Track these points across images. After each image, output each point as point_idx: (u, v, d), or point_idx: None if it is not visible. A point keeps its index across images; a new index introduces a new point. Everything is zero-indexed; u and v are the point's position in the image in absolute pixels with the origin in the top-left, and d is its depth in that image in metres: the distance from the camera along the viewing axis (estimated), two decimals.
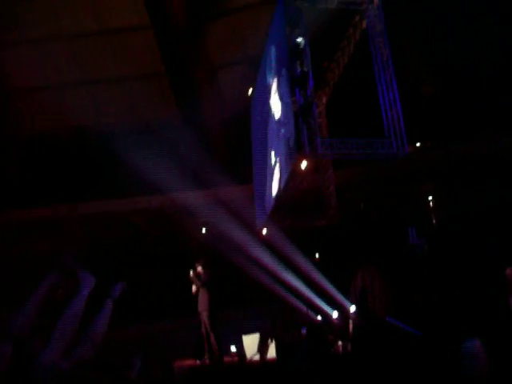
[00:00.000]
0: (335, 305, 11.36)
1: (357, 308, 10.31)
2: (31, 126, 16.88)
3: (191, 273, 10.32)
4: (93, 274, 2.63)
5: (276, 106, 12.28)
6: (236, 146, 15.91)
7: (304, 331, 10.21)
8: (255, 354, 10.41)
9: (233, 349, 10.83)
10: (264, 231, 13.73)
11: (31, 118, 16.78)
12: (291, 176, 11.05)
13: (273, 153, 12.81)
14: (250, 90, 15.09)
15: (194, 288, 10.36)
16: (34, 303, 2.48)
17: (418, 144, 13.76)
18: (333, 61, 12.52)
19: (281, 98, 11.58)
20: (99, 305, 2.54)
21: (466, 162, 13.13)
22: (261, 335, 10.63)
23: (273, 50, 12.60)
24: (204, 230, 15.64)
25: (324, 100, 13.79)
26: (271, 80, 12.73)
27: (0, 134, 16.90)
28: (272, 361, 9.73)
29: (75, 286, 2.50)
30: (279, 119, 11.95)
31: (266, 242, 13.66)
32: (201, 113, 16.44)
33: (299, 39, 10.43)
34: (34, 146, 16.93)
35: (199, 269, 10.35)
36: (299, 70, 10.36)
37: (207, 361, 9.80)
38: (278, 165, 12.15)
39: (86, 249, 13.81)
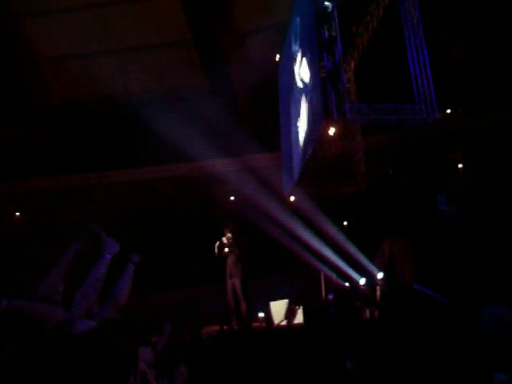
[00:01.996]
0: (363, 271, 11.35)
1: (384, 275, 10.29)
2: (61, 94, 17.03)
3: (224, 239, 10.28)
4: (117, 241, 2.70)
5: (300, 73, 12.17)
6: (264, 113, 15.83)
7: (331, 297, 10.25)
8: (283, 320, 10.48)
9: (261, 315, 10.91)
10: (292, 198, 13.72)
11: (61, 87, 16.93)
12: (319, 142, 10.99)
13: (298, 119, 12.74)
14: (278, 56, 14.96)
15: (225, 251, 10.28)
16: (60, 268, 2.55)
17: (448, 110, 13.54)
18: (361, 25, 12.27)
19: (306, 66, 11.46)
20: (122, 268, 2.60)
21: (497, 129, 12.88)
22: (288, 301, 10.69)
23: (298, 18, 12.44)
24: (232, 198, 15.69)
25: (352, 65, 13.58)
26: (296, 49, 12.60)
27: (31, 103, 17.11)
28: (299, 326, 9.80)
29: (99, 252, 2.57)
30: (303, 87, 11.85)
31: (294, 209, 13.65)
32: (229, 80, 16.38)
33: (327, 3, 10.26)
34: (65, 115, 17.08)
35: (228, 235, 10.33)
36: (327, 34, 10.22)
37: (235, 326, 9.89)
38: (303, 131, 12.08)
39: (115, 216, 13.98)
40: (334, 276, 11.39)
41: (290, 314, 10.41)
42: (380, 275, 10.35)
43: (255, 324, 10.49)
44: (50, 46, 16.08)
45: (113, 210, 14.95)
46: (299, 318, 10.15)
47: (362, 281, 10.97)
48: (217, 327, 9.97)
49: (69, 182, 15.39)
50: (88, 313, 2.31)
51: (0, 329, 1.74)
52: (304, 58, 11.80)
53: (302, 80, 12.19)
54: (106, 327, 2.22)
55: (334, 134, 10.24)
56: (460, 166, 13.50)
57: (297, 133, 12.98)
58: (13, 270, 12.60)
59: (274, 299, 11.02)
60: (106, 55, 16.27)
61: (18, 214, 15.91)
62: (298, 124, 12.73)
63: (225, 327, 10.06)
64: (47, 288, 2.44)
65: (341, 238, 12.50)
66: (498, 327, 3.56)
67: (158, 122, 13.95)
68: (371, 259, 11.56)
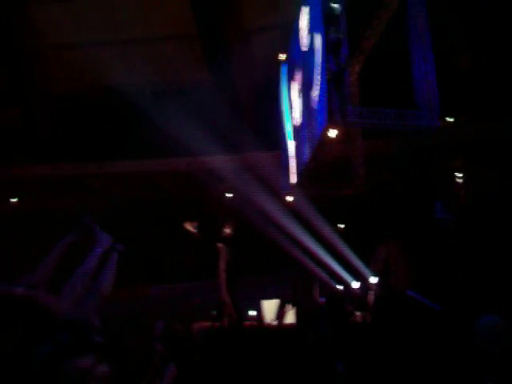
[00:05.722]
0: (357, 275, 11.32)
1: (378, 279, 10.27)
2: (64, 82, 16.95)
3: (222, 234, 10.17)
4: (110, 234, 2.67)
5: (304, 74, 12.14)
6: (266, 111, 15.80)
7: (323, 300, 10.22)
8: (274, 320, 10.45)
9: (252, 313, 10.88)
10: (290, 198, 13.70)
11: (64, 75, 16.85)
12: (320, 144, 10.96)
13: (299, 120, 12.71)
14: (282, 56, 14.94)
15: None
16: (51, 259, 2.53)
17: (451, 119, 13.52)
18: (368, 28, 12.23)
19: (310, 67, 11.42)
20: (106, 258, 2.57)
21: (499, 140, 12.87)
22: (280, 301, 10.65)
23: (306, 16, 12.39)
24: (230, 195, 15.66)
25: (357, 68, 13.54)
26: (301, 49, 12.56)
27: (32, 91, 17.03)
28: (290, 327, 9.76)
29: (91, 245, 2.55)
30: (306, 88, 11.81)
31: (291, 209, 13.63)
32: (232, 76, 16.33)
33: (335, 5, 10.22)
34: (65, 104, 17.02)
35: (227, 231, 10.25)
36: (334, 36, 10.18)
37: (225, 324, 9.85)
38: (305, 131, 12.05)
39: (112, 208, 13.95)
40: (327, 278, 11.37)
41: (281, 313, 10.37)
42: (374, 279, 10.33)
43: (246, 322, 10.45)
44: (54, 33, 15.97)
45: (109, 201, 14.93)
46: (291, 319, 10.11)
47: (356, 284, 10.94)
48: (208, 323, 9.94)
49: (67, 170, 15.35)
50: (74, 305, 2.28)
51: (13, 314, 1.73)
52: (308, 59, 11.76)
53: (304, 81, 12.15)
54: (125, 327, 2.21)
55: (336, 136, 10.21)
56: (459, 174, 13.48)
57: (297, 134, 12.95)
58: (5, 256, 12.55)
59: (267, 298, 11.00)
60: (109, 46, 16.19)
61: (13, 200, 15.86)
62: (299, 125, 12.70)
63: (216, 324, 10.02)
64: (37, 278, 2.42)
65: (337, 241, 12.48)
66: (491, 337, 3.55)
67: (159, 115, 13.93)
68: (366, 263, 11.54)
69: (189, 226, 10.00)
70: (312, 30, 11.60)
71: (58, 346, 1.51)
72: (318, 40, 10.73)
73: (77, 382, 1.44)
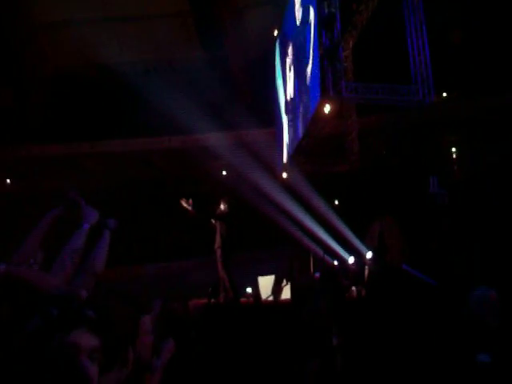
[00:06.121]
0: (352, 250, 11.34)
1: (373, 254, 10.28)
2: (56, 62, 16.86)
3: (218, 209, 10.13)
4: (105, 214, 2.63)
5: (297, 49, 12.07)
6: (260, 88, 15.74)
7: (318, 275, 10.24)
8: (270, 296, 10.49)
9: (249, 290, 10.90)
10: (284, 175, 13.69)
11: (56, 55, 16.74)
12: (314, 120, 10.93)
13: (292, 96, 12.66)
14: (275, 32, 14.85)
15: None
16: (35, 235, 2.50)
17: (444, 94, 13.48)
18: (361, 3, 12.14)
19: (303, 42, 11.36)
20: (98, 235, 2.53)
21: (492, 114, 12.85)
22: (276, 277, 10.69)
23: None
24: (224, 172, 15.63)
25: (351, 44, 13.47)
26: (294, 24, 12.49)
27: (25, 70, 16.92)
28: (286, 302, 9.81)
29: (78, 220, 2.51)
30: (299, 63, 11.76)
31: (286, 186, 13.63)
32: (225, 53, 16.25)
33: None
34: (57, 84, 16.93)
35: (223, 206, 10.17)
36: (327, 10, 10.11)
37: (222, 300, 9.88)
38: (297, 108, 12.01)
39: (106, 187, 13.93)
40: (322, 254, 11.37)
41: (277, 289, 10.42)
42: (369, 255, 10.34)
43: (243, 299, 10.48)
44: (46, 12, 15.84)
45: (103, 180, 14.91)
46: (287, 294, 10.15)
47: (351, 260, 10.95)
48: (204, 300, 9.97)
49: (60, 150, 15.29)
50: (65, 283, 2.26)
51: None
52: (302, 34, 11.69)
53: (298, 56, 12.09)
54: (109, 298, 2.20)
55: (329, 111, 10.19)
56: (453, 149, 13.48)
57: (290, 110, 12.91)
58: None
59: (263, 274, 11.01)
60: (102, 24, 16.06)
61: (8, 181, 15.85)
62: (293, 101, 12.65)
63: (212, 301, 10.03)
64: (21, 256, 2.40)
65: (332, 217, 12.48)
66: (484, 309, 3.58)
67: (152, 93, 13.87)
68: (361, 238, 11.55)
69: (184, 204, 9.95)
70: (305, 4, 11.52)
71: (46, 319, 1.51)
72: (312, 15, 10.67)
73: (66, 355, 1.44)
